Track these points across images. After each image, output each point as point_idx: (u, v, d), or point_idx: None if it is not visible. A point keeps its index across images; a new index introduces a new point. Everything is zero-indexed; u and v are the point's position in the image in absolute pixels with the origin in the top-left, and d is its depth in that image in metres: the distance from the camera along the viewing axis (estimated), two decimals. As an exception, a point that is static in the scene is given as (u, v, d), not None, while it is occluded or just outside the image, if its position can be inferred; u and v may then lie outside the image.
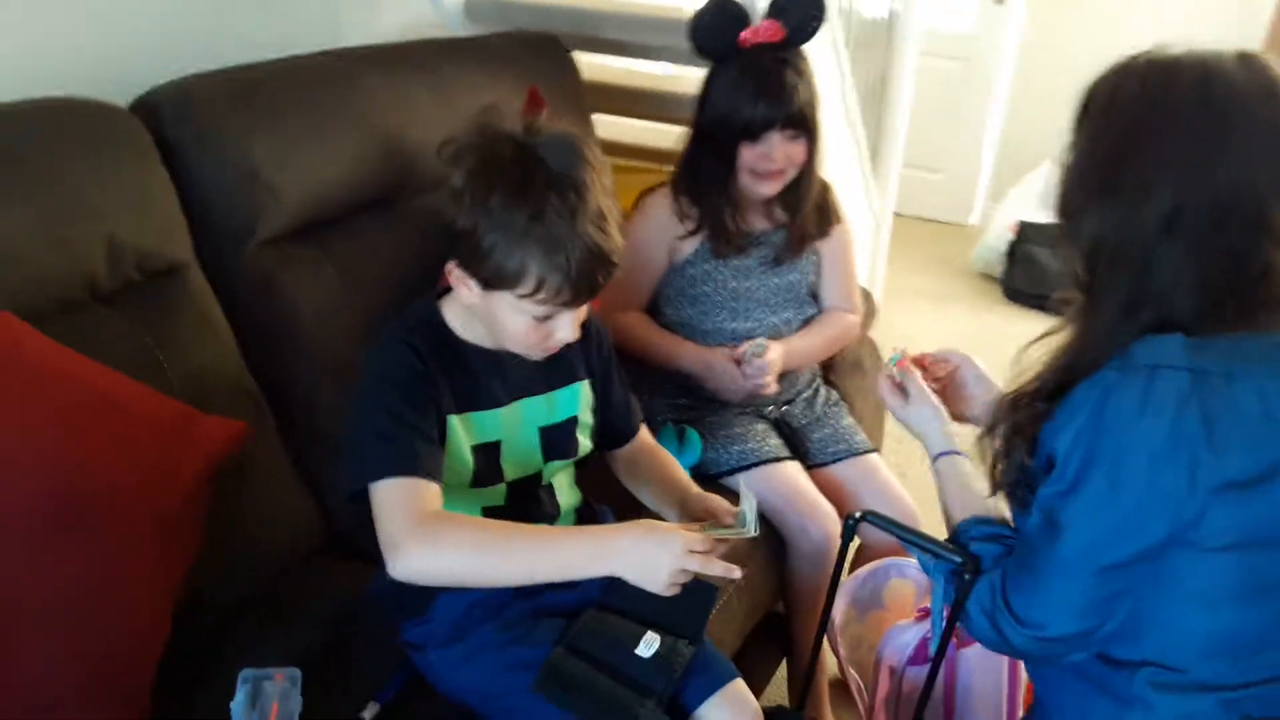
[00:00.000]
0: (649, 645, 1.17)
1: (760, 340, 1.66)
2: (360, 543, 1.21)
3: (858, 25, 2.80)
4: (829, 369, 1.95)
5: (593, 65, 2.47)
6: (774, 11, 1.61)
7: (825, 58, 2.35)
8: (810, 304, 1.82)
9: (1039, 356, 1.06)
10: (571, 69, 2.03)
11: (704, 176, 1.67)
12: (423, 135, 1.61)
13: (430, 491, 1.09)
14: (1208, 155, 0.92)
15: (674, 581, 1.03)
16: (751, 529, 1.13)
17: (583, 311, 1.19)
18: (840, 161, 2.79)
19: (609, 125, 2.66)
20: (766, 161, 1.61)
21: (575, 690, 1.11)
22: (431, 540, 1.05)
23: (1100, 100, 1.00)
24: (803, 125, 1.61)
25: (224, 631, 1.28)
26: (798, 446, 1.76)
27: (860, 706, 1.51)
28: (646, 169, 2.73)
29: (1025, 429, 1.06)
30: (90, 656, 1.06)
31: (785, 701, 1.84)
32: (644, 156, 2.67)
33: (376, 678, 1.23)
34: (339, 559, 1.46)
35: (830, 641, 1.50)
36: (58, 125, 1.23)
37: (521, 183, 1.08)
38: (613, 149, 2.69)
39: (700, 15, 1.61)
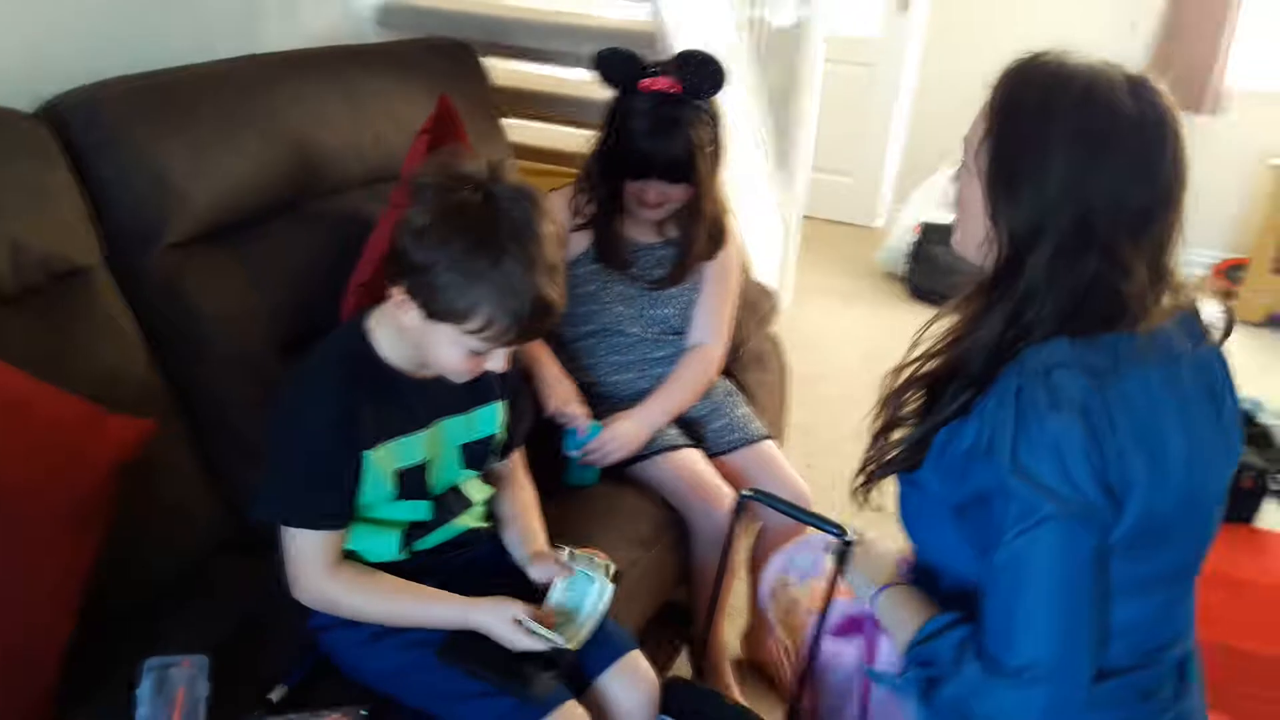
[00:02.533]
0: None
1: (595, 424, 1.69)
2: (267, 536, 1.25)
3: (765, 34, 2.89)
4: (730, 363, 2.03)
5: (505, 71, 2.53)
6: (675, 68, 1.66)
7: (734, 68, 2.44)
8: (679, 337, 1.87)
9: (930, 334, 1.11)
10: (482, 75, 2.08)
11: (601, 183, 1.74)
12: (333, 140, 1.66)
13: (337, 539, 1.24)
14: (1075, 172, 0.95)
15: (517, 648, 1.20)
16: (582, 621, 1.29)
17: (509, 354, 1.23)
18: (748, 166, 2.89)
19: (521, 129, 2.72)
20: (643, 199, 1.70)
21: (477, 659, 1.20)
22: (328, 598, 1.24)
23: (1000, 101, 1.03)
24: (683, 173, 1.67)
25: (133, 624, 1.31)
26: (696, 435, 1.84)
27: (787, 668, 1.57)
28: (556, 172, 2.79)
29: (909, 417, 1.11)
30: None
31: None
32: (554, 160, 2.74)
33: (285, 661, 1.27)
34: (247, 551, 1.48)
35: (758, 606, 1.54)
36: (-43, 131, 1.25)
37: (485, 230, 1.12)
38: (524, 152, 2.75)
39: (603, 55, 1.67)
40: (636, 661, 1.33)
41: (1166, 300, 1.01)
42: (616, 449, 1.68)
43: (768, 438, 1.87)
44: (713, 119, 1.69)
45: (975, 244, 1.05)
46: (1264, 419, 2.87)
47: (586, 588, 1.31)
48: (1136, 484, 0.95)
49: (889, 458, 1.13)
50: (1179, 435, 0.98)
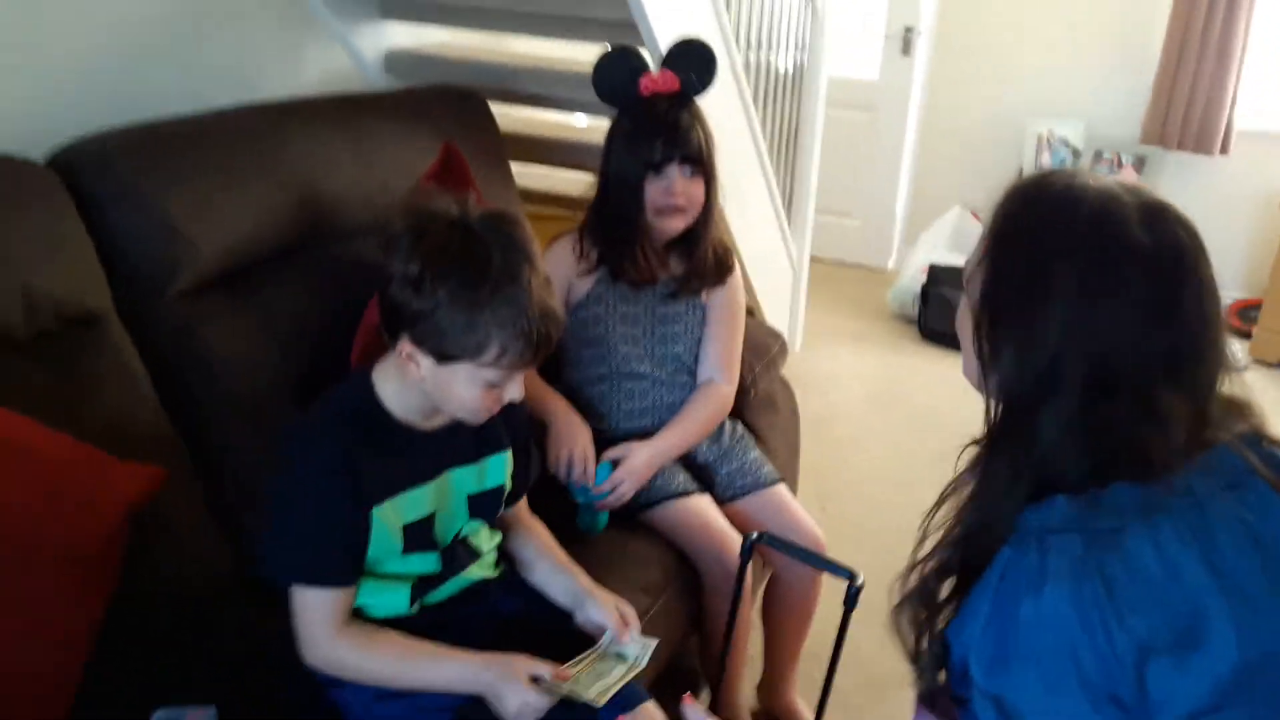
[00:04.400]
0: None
1: (603, 463, 1.69)
2: (275, 585, 1.24)
3: (766, 79, 2.92)
4: (740, 406, 2.02)
5: (512, 117, 2.55)
6: (668, 63, 1.72)
7: (735, 112, 2.46)
8: (691, 379, 1.87)
9: (942, 520, 0.97)
10: (490, 121, 2.10)
11: (611, 218, 1.75)
12: (340, 187, 1.67)
13: (346, 598, 1.22)
14: (1077, 313, 0.85)
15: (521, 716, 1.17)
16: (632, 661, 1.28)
17: (524, 380, 1.23)
18: (757, 211, 2.90)
19: (528, 175, 2.74)
20: (669, 196, 1.70)
21: None
22: (337, 659, 1.21)
23: (999, 226, 0.93)
24: (700, 164, 1.71)
25: (140, 673, 1.28)
26: (706, 481, 1.82)
27: None
28: (564, 216, 2.81)
29: (930, 619, 0.97)
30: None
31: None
32: (560, 204, 2.75)
33: (293, 713, 1.25)
34: (254, 600, 1.47)
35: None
36: (-29, 180, 1.26)
37: (476, 262, 1.12)
38: (531, 197, 2.77)
39: (601, 63, 1.71)
40: (651, 713, 1.30)
41: (1213, 435, 0.89)
42: (629, 483, 1.67)
43: (779, 481, 1.86)
44: (705, 120, 1.74)
45: (976, 380, 0.95)
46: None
47: (629, 647, 1.30)
48: (1158, 650, 0.80)
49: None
50: (1212, 593, 0.82)
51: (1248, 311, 4.02)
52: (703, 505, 1.73)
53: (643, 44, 1.96)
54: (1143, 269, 0.85)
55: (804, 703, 1.92)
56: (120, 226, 1.41)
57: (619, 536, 1.69)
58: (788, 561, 1.77)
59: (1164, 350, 0.85)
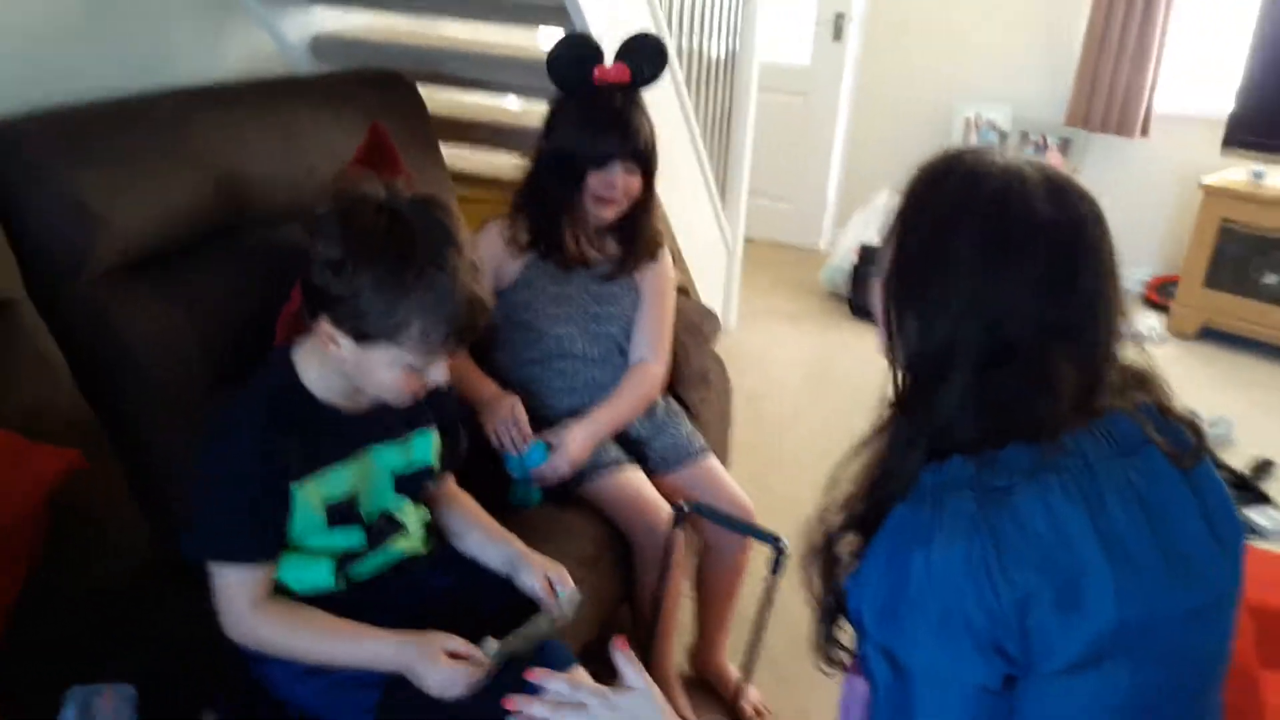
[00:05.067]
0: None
1: (537, 442, 1.69)
2: (197, 566, 1.23)
3: (699, 64, 2.95)
4: (673, 382, 2.05)
5: (443, 99, 2.54)
6: (621, 55, 1.74)
7: (668, 97, 2.49)
8: (624, 359, 1.89)
9: (851, 474, 0.99)
10: (418, 103, 2.09)
11: (547, 200, 1.76)
12: (264, 171, 1.66)
13: (264, 574, 1.22)
14: (980, 285, 0.87)
15: (444, 694, 1.18)
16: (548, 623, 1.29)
17: (446, 364, 1.23)
18: (691, 193, 2.93)
19: (460, 157, 2.73)
20: (609, 189, 1.72)
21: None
22: (255, 634, 1.21)
23: (911, 203, 0.94)
24: (641, 161, 1.74)
25: (60, 653, 1.27)
26: (639, 455, 1.85)
27: None
28: (494, 199, 2.81)
29: (832, 571, 0.99)
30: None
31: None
32: (492, 186, 2.75)
33: (215, 690, 1.26)
34: (178, 580, 1.46)
35: None
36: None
37: (402, 248, 1.12)
38: (463, 179, 2.77)
39: (557, 49, 1.72)
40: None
41: (1108, 403, 0.91)
42: (563, 461, 1.69)
43: (709, 453, 1.89)
44: (648, 115, 1.76)
45: (883, 350, 0.97)
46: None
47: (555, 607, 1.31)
48: (1040, 605, 0.83)
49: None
50: (1096, 552, 0.85)
51: (1166, 288, 4.16)
52: (635, 478, 1.76)
53: (572, 27, 1.97)
54: (1044, 241, 0.86)
55: (733, 666, 1.96)
56: (31, 210, 1.39)
57: (553, 510, 1.72)
58: (718, 532, 1.80)
59: (1059, 320, 0.87)
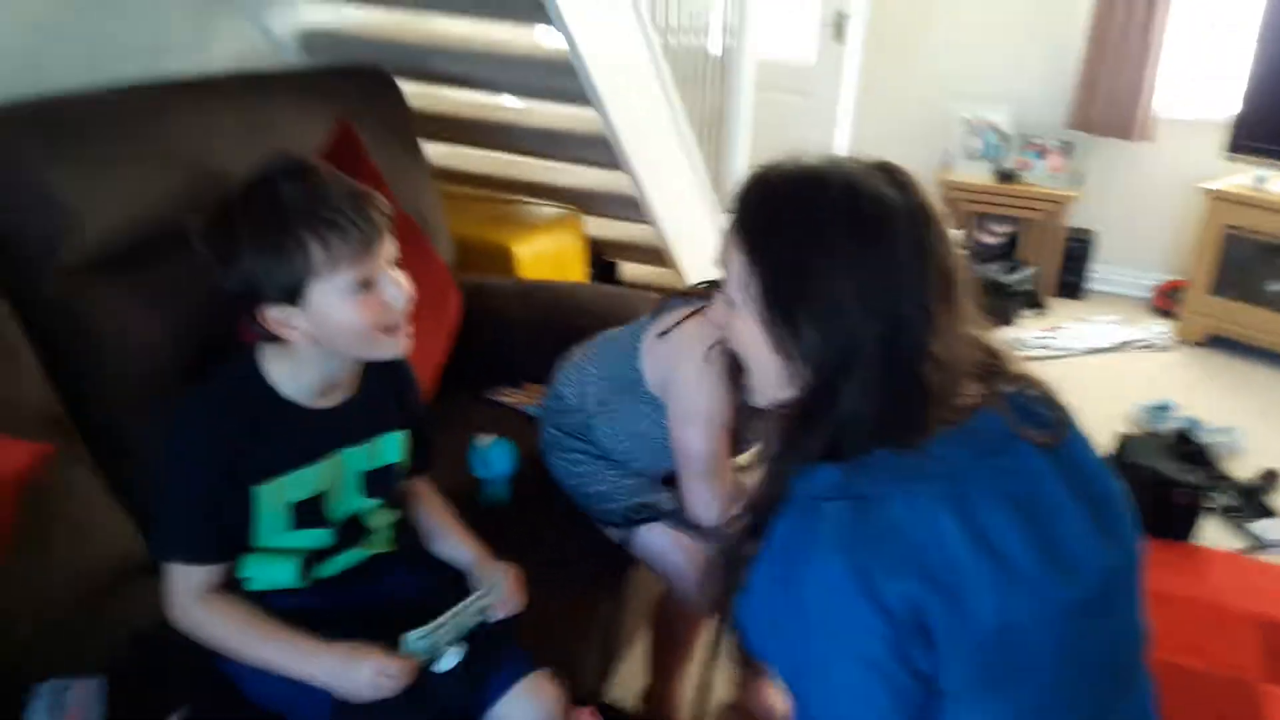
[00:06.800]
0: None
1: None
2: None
3: (688, 62, 2.92)
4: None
5: (438, 97, 2.54)
6: None
7: (654, 94, 2.47)
8: None
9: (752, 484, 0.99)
10: (397, 99, 2.08)
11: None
12: (236, 166, 1.62)
13: (211, 573, 1.22)
14: (865, 278, 0.87)
15: (372, 698, 1.17)
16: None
17: (398, 273, 1.21)
18: (681, 192, 2.91)
19: (456, 155, 2.73)
20: None
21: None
22: (194, 627, 1.22)
23: (752, 224, 0.93)
24: None
25: (32, 647, 1.28)
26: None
27: None
28: (488, 197, 2.81)
29: (730, 581, 0.98)
30: None
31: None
32: (482, 184, 2.75)
33: (184, 685, 1.25)
34: (150, 574, 1.45)
35: None
36: None
37: (261, 199, 1.14)
38: (452, 176, 2.77)
39: None
40: (538, 682, 1.31)
41: (972, 397, 0.91)
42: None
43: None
44: None
45: (773, 385, 0.95)
46: (1201, 437, 2.92)
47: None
48: (931, 611, 0.83)
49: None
50: (971, 557, 0.84)
51: (1174, 293, 4.12)
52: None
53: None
54: (904, 222, 0.87)
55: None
56: (2, 203, 1.39)
57: (523, 510, 1.70)
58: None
59: (933, 299, 0.87)
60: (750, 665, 1.07)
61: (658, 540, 1.61)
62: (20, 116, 1.43)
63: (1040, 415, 0.95)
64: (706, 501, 1.55)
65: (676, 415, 1.56)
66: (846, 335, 0.87)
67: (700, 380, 1.49)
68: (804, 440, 0.90)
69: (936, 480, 0.86)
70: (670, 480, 1.66)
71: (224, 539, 1.22)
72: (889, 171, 0.90)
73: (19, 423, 1.31)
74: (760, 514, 0.93)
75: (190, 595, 1.20)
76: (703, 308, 1.48)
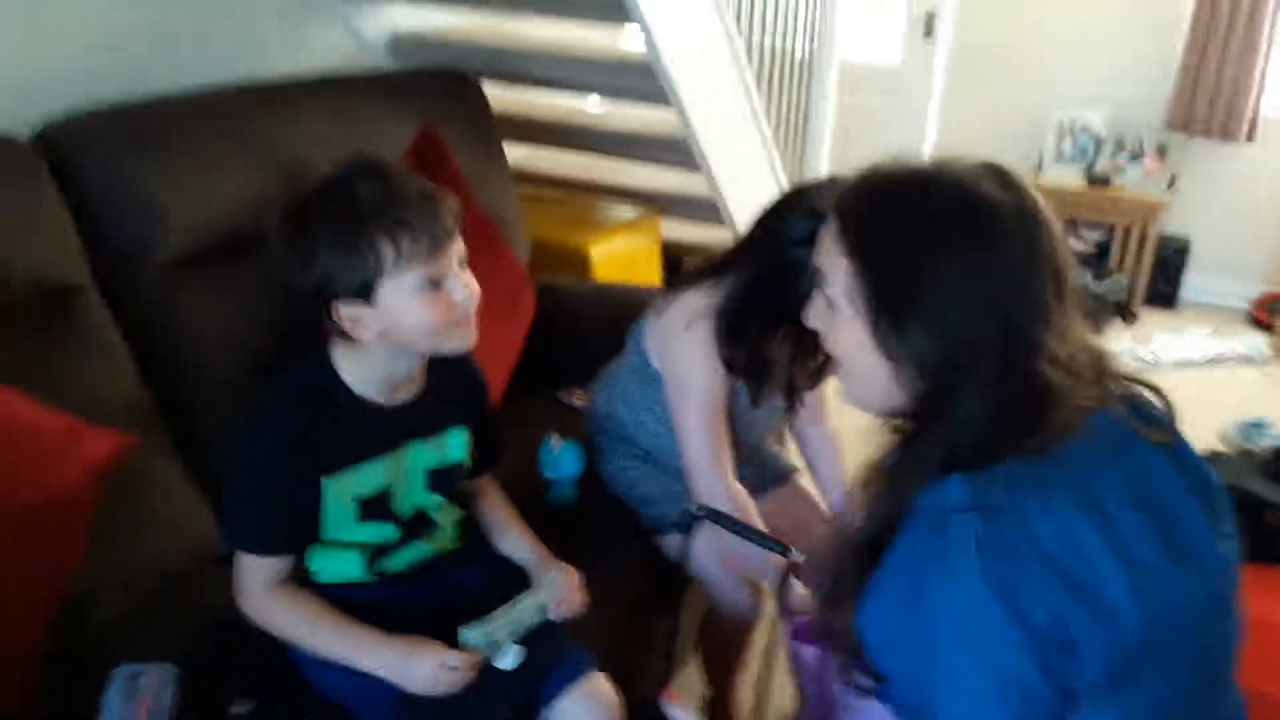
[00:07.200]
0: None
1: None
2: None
3: (777, 64, 2.90)
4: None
5: (520, 100, 2.57)
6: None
7: (735, 95, 2.46)
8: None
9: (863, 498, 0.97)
10: (480, 102, 2.12)
11: (751, 333, 1.50)
12: (323, 167, 1.68)
13: (280, 565, 1.26)
14: (984, 270, 0.86)
15: (433, 692, 1.20)
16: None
17: (467, 274, 1.23)
18: (763, 197, 2.88)
19: (539, 157, 2.76)
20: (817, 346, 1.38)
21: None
22: (260, 617, 1.26)
23: (859, 228, 0.91)
24: None
25: (112, 633, 1.34)
26: None
27: None
28: (568, 200, 2.83)
29: (844, 599, 0.97)
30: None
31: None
32: (563, 186, 2.77)
33: (252, 674, 1.29)
34: (228, 564, 1.51)
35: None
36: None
37: (336, 198, 1.16)
38: (533, 178, 2.80)
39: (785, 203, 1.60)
40: (597, 683, 1.33)
41: (1087, 400, 0.89)
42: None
43: (795, 470, 1.82)
44: None
45: (879, 391, 0.93)
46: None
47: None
48: (1075, 619, 0.82)
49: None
50: (1109, 560, 0.83)
51: (1274, 304, 3.95)
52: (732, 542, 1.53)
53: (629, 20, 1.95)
54: (1014, 220, 0.86)
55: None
56: (99, 201, 1.45)
57: (588, 512, 1.71)
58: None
59: (1048, 297, 0.86)
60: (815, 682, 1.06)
61: (703, 551, 1.58)
62: (118, 118, 1.50)
63: (1153, 414, 0.94)
64: (709, 491, 1.53)
65: (672, 392, 1.56)
66: (961, 335, 0.86)
67: (690, 351, 1.49)
68: (922, 449, 0.89)
69: (1068, 487, 0.85)
70: None
71: (293, 531, 1.26)
72: (996, 171, 0.89)
73: (110, 413, 1.37)
74: (880, 530, 0.92)
75: (260, 586, 1.24)
76: (698, 282, 1.53)
